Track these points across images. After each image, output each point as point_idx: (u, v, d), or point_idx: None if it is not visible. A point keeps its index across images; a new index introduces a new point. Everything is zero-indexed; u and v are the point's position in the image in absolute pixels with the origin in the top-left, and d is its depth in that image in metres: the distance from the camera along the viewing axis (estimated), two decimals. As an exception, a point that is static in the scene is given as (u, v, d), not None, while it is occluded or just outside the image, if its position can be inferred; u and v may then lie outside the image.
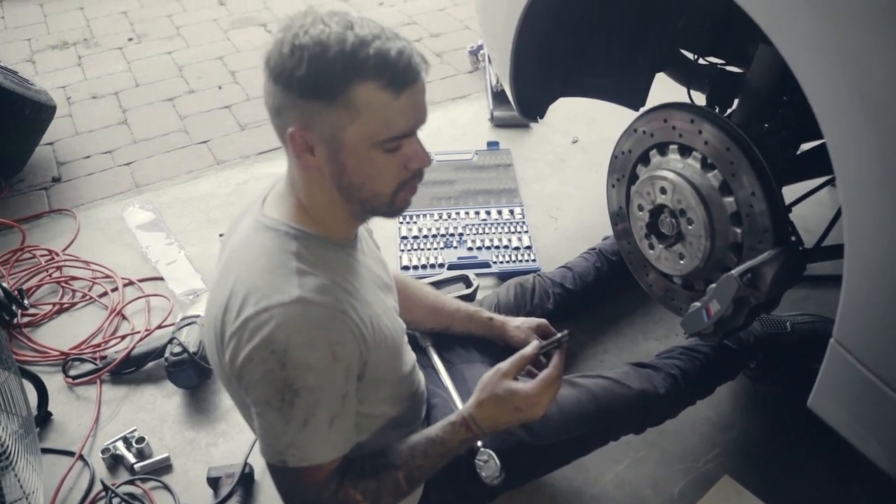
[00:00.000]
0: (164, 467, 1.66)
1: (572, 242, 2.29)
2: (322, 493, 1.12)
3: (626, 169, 1.66)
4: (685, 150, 1.48)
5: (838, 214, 1.62)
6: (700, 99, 1.86)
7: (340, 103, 0.99)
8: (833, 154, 1.04)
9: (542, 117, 1.91)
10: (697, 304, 1.44)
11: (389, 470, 1.19)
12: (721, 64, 1.83)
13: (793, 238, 1.42)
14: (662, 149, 1.54)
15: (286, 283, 1.04)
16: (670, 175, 1.47)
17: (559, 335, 1.35)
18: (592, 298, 1.98)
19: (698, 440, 1.73)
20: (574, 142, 2.79)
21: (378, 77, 0.98)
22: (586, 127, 2.85)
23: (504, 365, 1.27)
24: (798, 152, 1.63)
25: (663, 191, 1.50)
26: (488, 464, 1.36)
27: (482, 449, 1.38)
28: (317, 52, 0.96)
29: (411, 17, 3.84)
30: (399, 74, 0.99)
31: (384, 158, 1.05)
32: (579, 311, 1.97)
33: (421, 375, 1.48)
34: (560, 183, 2.59)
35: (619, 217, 1.73)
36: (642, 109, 1.79)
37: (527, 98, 1.81)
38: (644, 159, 1.60)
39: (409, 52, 1.00)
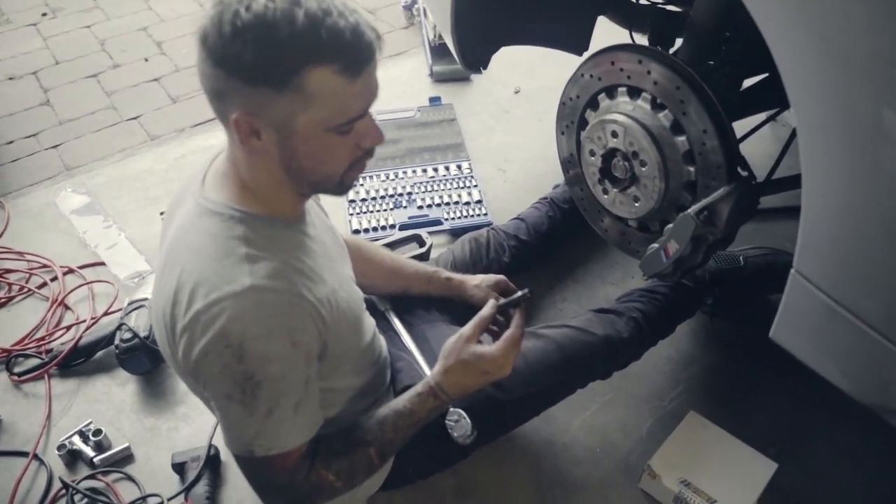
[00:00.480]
0: (126, 458, 1.61)
1: (522, 193, 2.27)
2: (294, 477, 1.10)
3: (574, 115, 1.63)
4: (634, 92, 1.46)
5: (786, 148, 1.63)
6: (642, 40, 1.85)
7: (292, 89, 0.92)
8: (788, 85, 1.02)
9: (485, 68, 1.87)
10: (655, 245, 1.44)
11: (361, 447, 1.17)
12: (661, 4, 1.81)
13: (745, 173, 1.42)
14: (611, 92, 1.51)
15: (236, 272, 0.99)
16: (621, 118, 1.45)
17: (518, 294, 1.35)
18: (547, 248, 1.97)
19: (662, 379, 1.76)
20: (516, 92, 2.76)
21: (333, 61, 0.92)
22: (527, 76, 2.82)
23: (466, 329, 1.25)
24: (742, 88, 1.63)
25: (615, 134, 1.48)
26: (459, 423, 1.36)
27: (451, 409, 1.37)
28: (262, 33, 0.88)
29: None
30: (355, 57, 0.93)
31: (337, 141, 1.00)
32: (535, 262, 1.96)
33: (382, 341, 1.45)
34: (505, 134, 2.56)
35: (571, 164, 1.71)
36: (586, 54, 1.77)
37: (469, 49, 1.77)
38: (593, 104, 1.57)
39: (362, 30, 0.93)
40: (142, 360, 1.71)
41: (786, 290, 1.19)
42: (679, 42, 1.77)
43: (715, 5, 1.42)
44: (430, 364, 1.46)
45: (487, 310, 1.28)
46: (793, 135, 1.63)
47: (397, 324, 1.58)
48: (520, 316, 1.28)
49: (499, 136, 2.55)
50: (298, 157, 1.00)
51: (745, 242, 1.93)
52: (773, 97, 1.65)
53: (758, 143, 2.12)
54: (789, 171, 1.58)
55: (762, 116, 1.77)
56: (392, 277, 1.59)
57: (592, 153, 1.56)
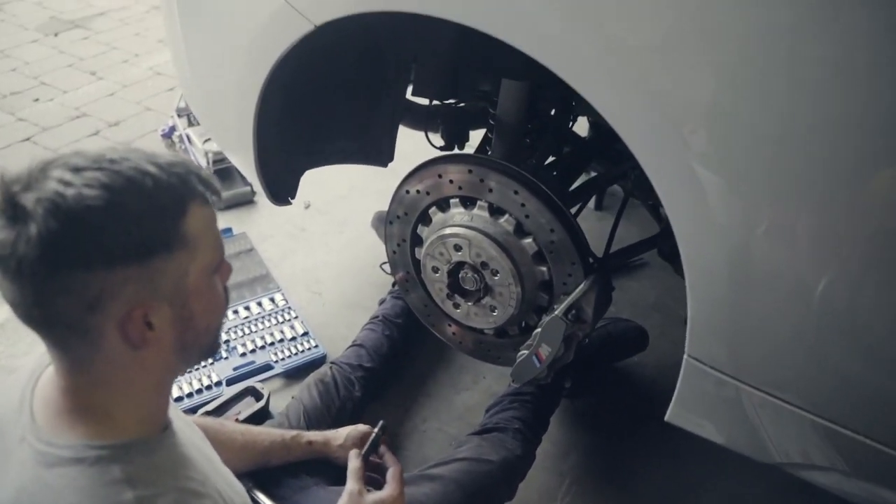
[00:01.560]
0: None
1: (346, 313, 2.15)
2: None
3: (405, 233, 1.56)
4: (468, 202, 1.42)
5: (617, 219, 1.68)
6: (436, 139, 1.85)
7: (179, 244, 0.79)
8: (651, 173, 1.01)
9: (293, 199, 1.74)
10: (525, 351, 1.39)
11: None
12: (454, 103, 1.82)
13: (591, 260, 1.42)
14: (442, 205, 1.47)
15: None
16: (461, 230, 1.41)
17: (374, 433, 1.37)
18: (392, 368, 1.87)
19: (547, 476, 1.70)
20: (307, 207, 2.64)
21: (195, 194, 0.81)
22: (315, 188, 2.69)
23: (351, 486, 1.23)
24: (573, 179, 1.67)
25: (457, 248, 1.43)
26: None
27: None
28: (125, 201, 0.74)
29: (78, 108, 3.36)
30: (203, 183, 0.83)
31: (218, 282, 0.88)
32: (386, 386, 1.85)
33: (266, 531, 1.25)
34: (308, 254, 2.43)
35: (410, 283, 1.63)
36: (392, 166, 1.72)
37: (275, 182, 1.64)
38: (423, 219, 1.51)
39: (181, 158, 0.84)
40: None
41: (681, 375, 1.18)
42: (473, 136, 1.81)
43: (518, 101, 1.44)
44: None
45: (355, 463, 1.27)
46: (624, 203, 1.70)
47: (267, 503, 1.38)
48: (389, 452, 1.34)
49: (302, 258, 2.41)
50: (195, 321, 0.85)
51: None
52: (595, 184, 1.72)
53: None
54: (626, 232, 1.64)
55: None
56: (247, 454, 1.40)
57: (436, 270, 1.49)
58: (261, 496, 1.39)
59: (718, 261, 1.03)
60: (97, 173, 0.74)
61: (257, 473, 1.42)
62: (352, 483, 1.23)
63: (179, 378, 1.91)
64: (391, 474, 1.27)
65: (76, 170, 0.74)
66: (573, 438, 1.79)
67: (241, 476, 1.37)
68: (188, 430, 1.04)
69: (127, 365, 0.83)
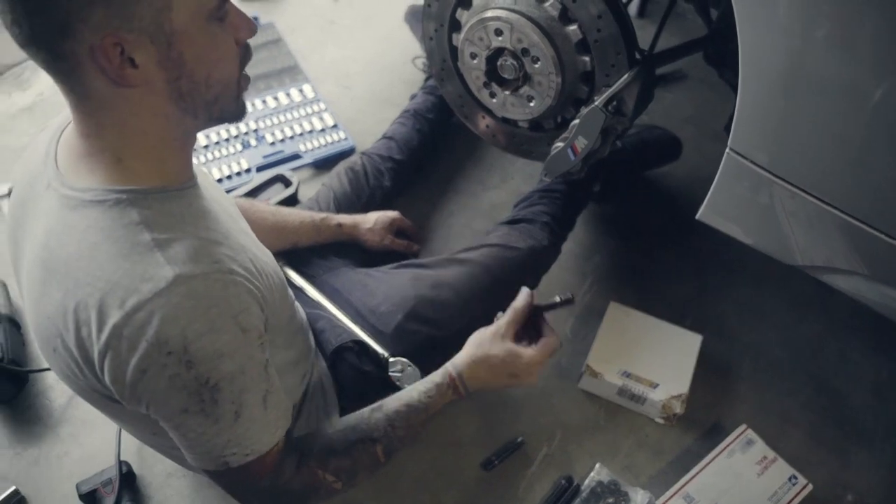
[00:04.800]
0: (16, 502, 1.36)
1: (375, 108, 2.12)
2: (277, 478, 0.96)
3: (443, 17, 1.49)
4: (513, -17, 1.35)
5: (665, 17, 1.60)
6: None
7: None
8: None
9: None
10: (560, 144, 1.37)
11: (366, 444, 1.03)
12: None
13: (637, 55, 1.37)
14: (484, -14, 1.39)
15: (150, 265, 0.80)
16: (504, 13, 1.34)
17: (562, 298, 1.20)
18: (422, 162, 1.88)
19: (569, 275, 1.74)
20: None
21: None
22: (343, -21, 2.60)
23: (501, 323, 1.14)
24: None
25: (499, 32, 1.37)
26: (406, 373, 1.27)
27: (392, 359, 1.28)
28: None
29: None
30: None
31: (220, 30, 0.82)
32: (414, 179, 1.86)
33: (298, 304, 1.30)
34: (338, 48, 2.35)
35: (445, 72, 1.58)
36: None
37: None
38: (464, 2, 1.44)
39: None
40: (2, 385, 1.43)
41: (720, 170, 1.17)
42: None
43: None
44: (349, 315, 1.35)
45: (522, 304, 1.16)
46: (671, 5, 1.61)
47: (298, 279, 1.43)
48: (551, 328, 1.17)
49: (332, 51, 2.34)
50: (189, 68, 0.81)
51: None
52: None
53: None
54: (666, 42, 1.57)
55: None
56: (277, 234, 1.43)
57: (474, 56, 1.44)
58: (291, 273, 1.44)
59: (776, 58, 0.98)
60: None
61: (287, 253, 1.47)
62: (504, 322, 1.15)
63: (211, 163, 1.92)
64: (546, 341, 1.14)
65: None
66: (598, 241, 1.82)
67: (273, 255, 1.43)
68: (218, 195, 1.05)
69: (121, 106, 0.81)
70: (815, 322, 1.67)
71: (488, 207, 1.88)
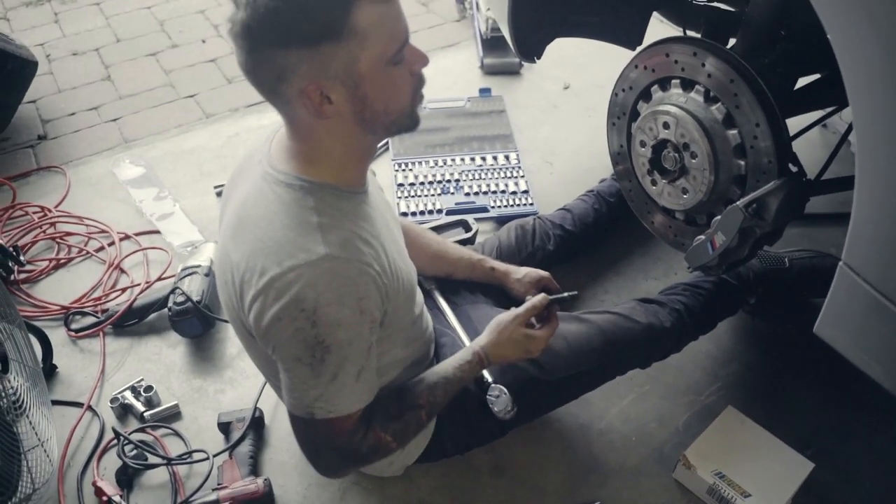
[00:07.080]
0: (174, 415, 1.67)
1: (568, 186, 2.29)
2: (350, 440, 1.16)
3: (626, 106, 1.65)
4: (687, 84, 1.48)
5: (835, 151, 1.63)
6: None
7: (348, 34, 0.97)
8: (847, 82, 1.03)
9: (539, 58, 1.89)
10: (702, 237, 1.46)
11: (414, 410, 1.24)
12: (715, 2, 1.82)
13: (795, 169, 1.43)
14: (664, 84, 1.53)
15: (310, 241, 1.04)
16: (673, 109, 1.48)
17: (567, 294, 1.44)
18: (591, 240, 1.99)
19: (701, 374, 1.76)
20: (566, 87, 2.78)
21: None
22: (577, 72, 2.83)
23: (519, 311, 1.36)
24: (795, 87, 1.64)
25: (666, 125, 1.50)
26: (500, 399, 1.39)
27: (493, 385, 1.40)
28: None
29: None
30: None
31: (398, 72, 1.05)
32: (579, 253, 1.98)
33: (429, 316, 1.49)
34: (553, 128, 2.58)
35: (620, 156, 1.73)
36: (639, 48, 1.78)
37: (525, 39, 1.80)
38: (645, 95, 1.59)
39: None
40: (194, 323, 1.77)
41: (833, 283, 1.20)
42: (732, 41, 1.79)
43: (771, 3, 1.43)
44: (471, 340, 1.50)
45: (540, 300, 1.39)
46: (843, 139, 1.63)
47: (442, 302, 1.61)
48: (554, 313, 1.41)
49: (547, 130, 2.57)
50: (370, 103, 1.04)
51: (791, 245, 1.92)
52: (826, 97, 1.66)
53: (806, 147, 2.12)
54: (839, 174, 1.59)
55: (811, 118, 1.77)
56: (437, 261, 1.64)
57: (643, 144, 1.58)
58: (438, 296, 1.63)
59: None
60: None
61: (442, 280, 1.66)
62: (522, 310, 1.36)
63: (410, 198, 2.21)
64: (552, 325, 1.38)
65: None
66: (740, 351, 1.82)
67: (427, 278, 1.64)
68: (383, 207, 1.30)
69: (318, 128, 1.07)
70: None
71: (644, 295, 1.95)
